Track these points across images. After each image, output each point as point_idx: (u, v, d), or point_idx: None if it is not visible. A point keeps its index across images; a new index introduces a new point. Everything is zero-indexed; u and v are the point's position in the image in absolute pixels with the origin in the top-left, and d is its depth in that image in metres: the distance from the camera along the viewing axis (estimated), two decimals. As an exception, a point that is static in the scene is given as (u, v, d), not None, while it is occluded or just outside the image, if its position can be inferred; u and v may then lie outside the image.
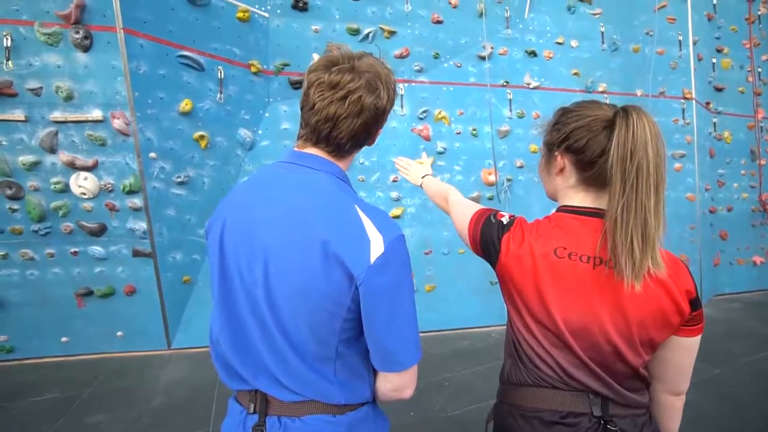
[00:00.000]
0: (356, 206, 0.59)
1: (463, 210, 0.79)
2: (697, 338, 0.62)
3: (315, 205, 0.58)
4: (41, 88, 1.73)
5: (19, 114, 1.73)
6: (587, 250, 0.61)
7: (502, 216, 0.70)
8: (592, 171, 0.62)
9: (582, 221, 0.64)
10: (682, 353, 0.63)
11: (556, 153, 0.66)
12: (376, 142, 0.68)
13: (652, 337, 0.60)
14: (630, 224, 0.55)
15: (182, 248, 2.09)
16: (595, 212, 0.63)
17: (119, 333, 2.01)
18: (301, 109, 0.61)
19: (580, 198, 0.66)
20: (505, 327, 0.73)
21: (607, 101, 2.79)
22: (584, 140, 0.62)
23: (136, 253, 1.96)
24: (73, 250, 1.90)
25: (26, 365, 1.91)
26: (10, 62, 1.67)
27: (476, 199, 2.56)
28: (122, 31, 1.73)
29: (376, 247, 0.56)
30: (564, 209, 0.67)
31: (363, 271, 0.54)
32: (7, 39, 1.65)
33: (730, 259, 3.27)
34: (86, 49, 1.73)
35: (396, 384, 0.61)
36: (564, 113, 0.67)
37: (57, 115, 1.77)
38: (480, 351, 2.19)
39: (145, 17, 1.80)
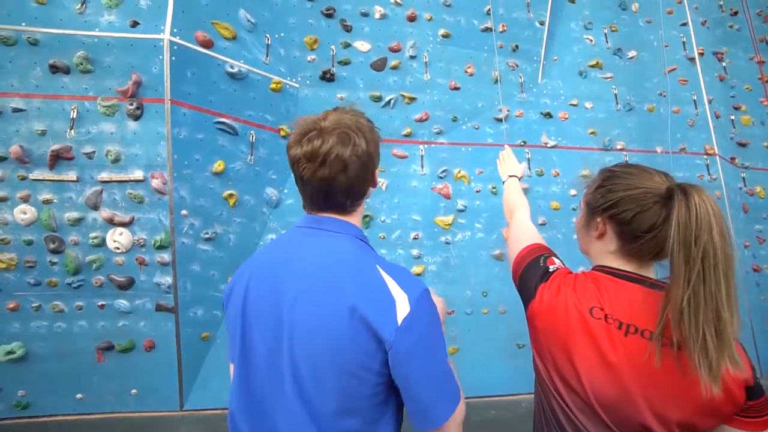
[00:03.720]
0: (378, 266, 0.59)
1: (521, 236, 0.77)
2: None
3: (339, 270, 0.59)
4: (94, 152, 1.91)
5: (72, 175, 1.90)
6: (621, 315, 0.58)
7: (553, 263, 0.67)
8: (636, 245, 0.59)
9: (618, 284, 0.60)
10: None
11: (598, 219, 0.64)
12: (378, 184, 0.70)
13: (693, 422, 0.54)
14: (700, 319, 0.49)
15: (204, 303, 2.10)
16: (634, 277, 0.60)
17: (133, 391, 1.97)
18: (296, 183, 0.64)
19: (619, 264, 0.63)
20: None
21: (627, 158, 2.82)
22: (632, 213, 0.59)
23: (159, 308, 1.99)
24: (100, 303, 1.95)
25: (37, 423, 1.87)
26: (72, 131, 1.88)
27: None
28: (169, 102, 1.93)
29: (402, 307, 0.55)
30: (601, 269, 0.64)
31: (391, 334, 0.53)
32: (74, 111, 1.88)
33: (788, 323, 2.98)
34: (137, 118, 1.93)
35: None
36: (609, 177, 0.64)
37: (104, 175, 1.93)
38: (508, 422, 1.99)
39: (190, 90, 2.02)
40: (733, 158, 3.11)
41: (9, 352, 1.84)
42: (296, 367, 0.56)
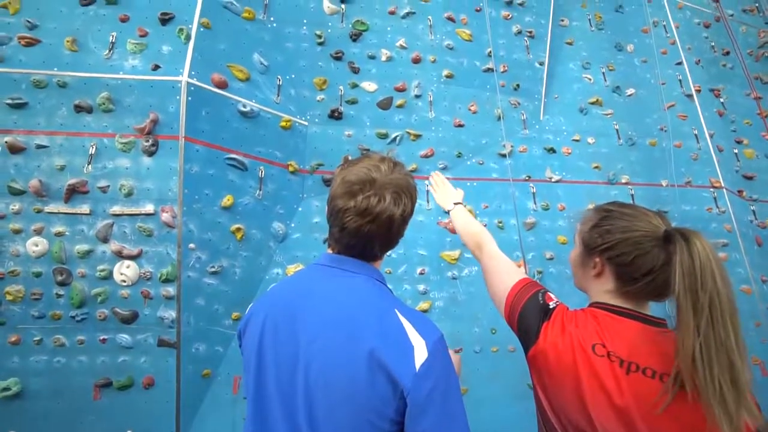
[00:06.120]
0: (396, 311, 0.59)
1: (505, 271, 0.75)
2: None
3: (359, 312, 0.59)
4: (108, 186, 1.97)
5: (85, 208, 1.95)
6: (621, 352, 0.57)
7: (551, 299, 0.66)
8: (635, 286, 0.60)
9: (617, 321, 0.60)
10: None
11: (596, 258, 0.64)
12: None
13: None
14: (714, 368, 0.49)
15: (207, 339, 2.06)
16: (632, 314, 0.60)
17: (129, 432, 1.89)
18: (329, 223, 0.65)
19: (617, 302, 0.62)
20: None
21: (632, 192, 2.82)
22: (631, 256, 0.60)
23: (161, 343, 1.95)
24: (102, 337, 1.93)
25: (28, 467, 1.79)
26: (90, 166, 1.96)
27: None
28: (183, 139, 2.01)
29: (420, 353, 0.55)
30: (598, 305, 0.63)
31: (409, 380, 0.53)
32: (92, 148, 1.96)
33: (817, 362, 2.82)
34: (151, 154, 2.01)
35: None
36: (606, 217, 0.65)
37: (116, 209, 1.97)
38: (525, 473, 1.85)
39: (203, 128, 2.11)
40: (740, 191, 3.10)
41: (4, 389, 1.80)
42: (311, 407, 0.54)
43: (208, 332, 2.07)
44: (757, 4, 3.74)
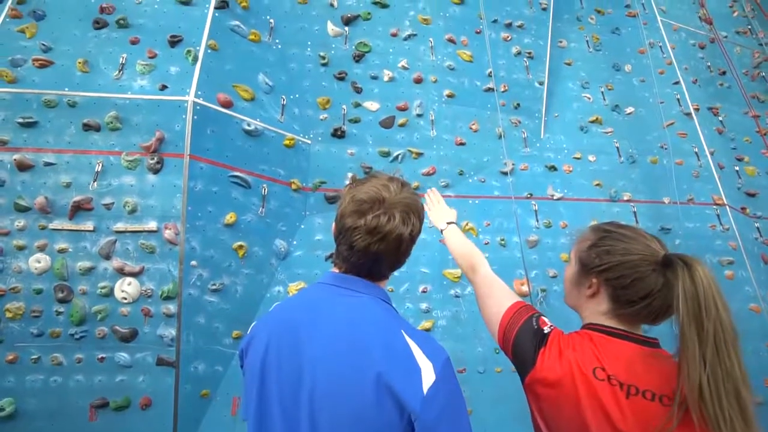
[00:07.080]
0: (403, 332, 0.58)
1: (499, 296, 0.74)
2: None
3: (365, 333, 0.58)
4: (113, 203, 1.99)
5: (89, 225, 1.96)
6: (621, 375, 0.56)
7: (545, 324, 0.65)
8: (630, 309, 0.60)
9: (613, 343, 0.60)
10: None
11: (593, 278, 0.64)
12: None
13: None
14: (723, 401, 0.48)
15: (206, 358, 2.03)
16: (628, 336, 0.59)
17: (124, 455, 1.84)
18: (336, 242, 0.65)
19: (612, 324, 0.62)
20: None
21: (635, 209, 2.82)
22: (629, 279, 0.59)
23: (160, 362, 1.92)
24: (100, 356, 1.90)
25: (19, 492, 1.73)
26: (95, 183, 1.98)
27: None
28: (188, 157, 2.04)
29: (428, 375, 0.54)
30: (592, 327, 0.63)
31: (417, 403, 0.52)
32: (99, 165, 1.99)
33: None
34: (156, 172, 2.03)
35: None
36: (605, 237, 0.64)
37: (119, 225, 1.98)
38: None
39: (208, 146, 2.14)
40: (743, 208, 3.09)
41: None
42: (315, 430, 0.53)
43: (208, 351, 2.04)
44: (749, 27, 3.83)
